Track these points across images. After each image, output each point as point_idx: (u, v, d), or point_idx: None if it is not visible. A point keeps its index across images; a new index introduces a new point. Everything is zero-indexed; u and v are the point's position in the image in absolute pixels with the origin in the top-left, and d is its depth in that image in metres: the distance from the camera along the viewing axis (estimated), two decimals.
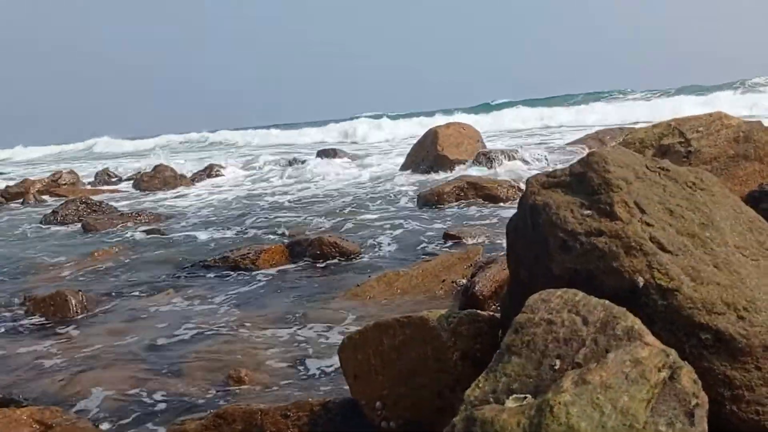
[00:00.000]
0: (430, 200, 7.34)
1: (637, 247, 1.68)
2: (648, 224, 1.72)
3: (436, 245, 5.57)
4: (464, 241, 5.49)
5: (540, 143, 11.84)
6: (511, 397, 1.51)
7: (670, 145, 2.28)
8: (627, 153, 1.91)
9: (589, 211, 1.81)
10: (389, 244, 5.81)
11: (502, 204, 6.93)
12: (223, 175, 11.92)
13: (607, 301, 1.58)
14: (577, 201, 1.85)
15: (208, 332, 3.78)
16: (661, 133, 2.33)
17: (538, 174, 2.05)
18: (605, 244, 1.72)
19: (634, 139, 2.38)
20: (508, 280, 2.37)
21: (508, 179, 7.60)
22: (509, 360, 1.59)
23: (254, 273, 5.16)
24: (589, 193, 1.84)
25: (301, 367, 3.21)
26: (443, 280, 4.54)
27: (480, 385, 1.58)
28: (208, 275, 5.11)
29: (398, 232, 6.23)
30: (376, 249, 5.69)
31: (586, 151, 9.13)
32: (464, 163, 9.31)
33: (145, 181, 11.04)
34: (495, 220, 6.14)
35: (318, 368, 3.16)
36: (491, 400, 1.55)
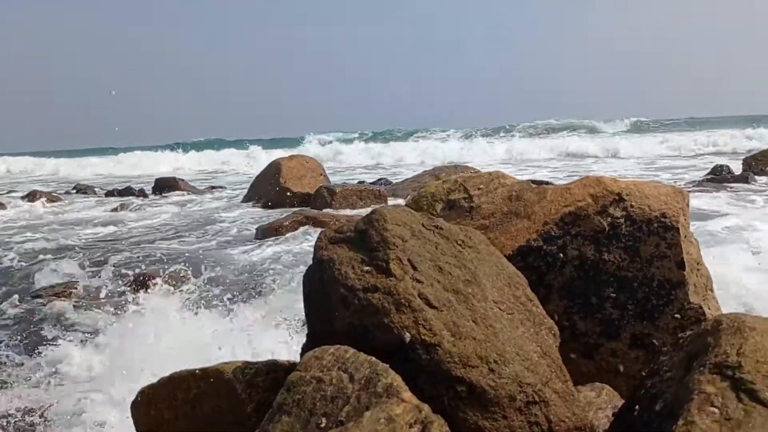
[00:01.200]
0: (268, 233, 7.30)
1: (407, 303, 1.78)
2: (418, 281, 1.83)
3: (272, 280, 5.54)
4: (298, 276, 5.52)
5: (380, 178, 12.21)
6: None
7: (456, 200, 2.45)
8: (406, 211, 2.03)
9: (368, 267, 1.90)
10: (224, 279, 5.69)
11: None
12: (37, 205, 11.05)
13: (373, 358, 1.66)
14: (359, 257, 1.93)
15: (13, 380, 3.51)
16: (449, 189, 2.49)
17: (327, 228, 2.11)
18: (379, 300, 1.81)
19: (427, 193, 2.53)
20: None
21: (345, 214, 7.74)
22: (279, 419, 1.62)
23: (74, 309, 4.85)
24: (370, 249, 1.93)
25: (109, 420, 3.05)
26: (275, 317, 4.53)
27: None
28: (8, 313, 4.72)
29: (235, 266, 6.13)
30: (209, 284, 5.54)
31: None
32: (307, 196, 9.35)
33: None
34: None
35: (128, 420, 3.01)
36: None
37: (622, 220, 2.29)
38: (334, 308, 1.93)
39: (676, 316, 2.26)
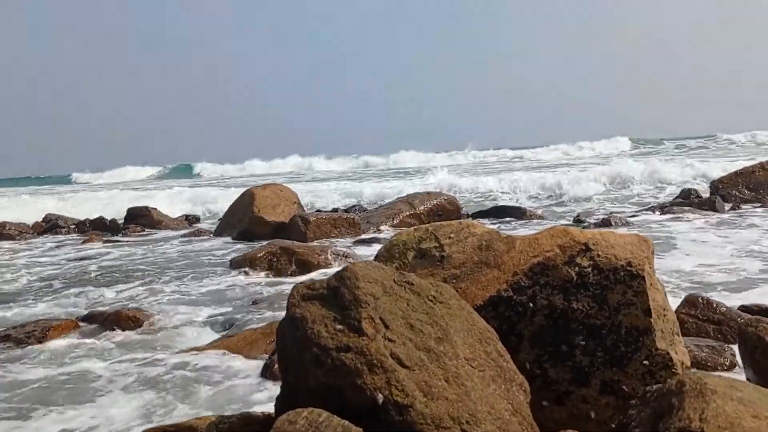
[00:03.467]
0: (242, 266, 7.26)
1: (379, 364, 1.80)
2: (390, 340, 1.85)
3: (245, 315, 5.50)
4: (272, 310, 5.48)
5: (354, 205, 12.24)
6: None
7: (427, 249, 2.48)
8: (378, 267, 2.05)
9: (341, 326, 1.91)
10: (195, 315, 5.63)
11: (314, 271, 7.01)
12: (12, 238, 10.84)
13: (346, 422, 1.67)
14: (332, 315, 1.95)
15: None
16: (420, 237, 2.53)
17: (300, 284, 2.13)
18: (351, 360, 1.82)
19: (399, 241, 2.56)
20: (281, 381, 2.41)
21: (320, 244, 7.73)
22: None
23: (40, 352, 4.75)
24: (342, 307, 1.95)
25: None
26: (245, 357, 4.50)
27: None
28: None
29: (206, 300, 6.07)
30: (181, 321, 5.48)
31: (399, 217, 9.57)
32: (282, 225, 9.33)
33: None
34: None
35: None
36: None
37: (589, 270, 2.34)
38: (308, 367, 1.93)
39: (645, 362, 2.30)
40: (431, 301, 2.00)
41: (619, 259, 2.34)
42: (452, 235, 2.46)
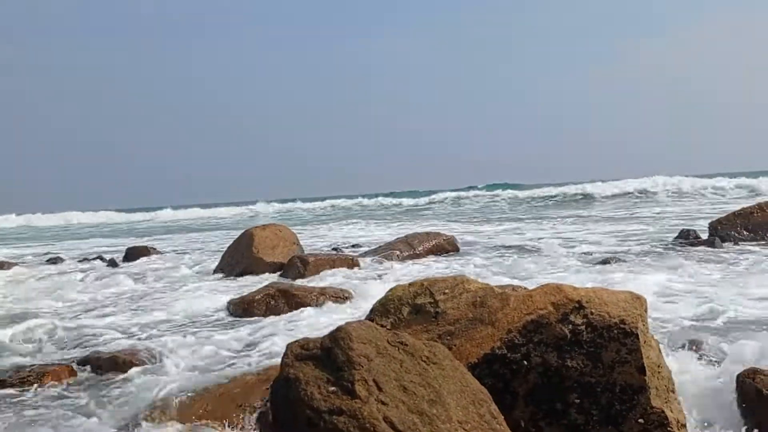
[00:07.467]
0: (239, 308, 7.23)
1: (371, 428, 1.80)
2: (383, 403, 1.85)
3: (242, 361, 5.46)
4: (268, 356, 5.45)
5: (352, 245, 12.24)
6: None
7: (422, 305, 2.49)
8: (371, 328, 2.06)
9: (334, 388, 1.92)
10: (191, 360, 5.57)
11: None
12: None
13: None
14: (324, 376, 1.95)
15: None
16: (415, 292, 2.54)
17: (294, 343, 2.13)
18: (344, 424, 1.82)
19: (394, 296, 2.57)
20: None
21: (317, 286, 7.71)
22: None
23: (33, 398, 4.71)
24: (335, 369, 1.95)
25: None
26: (240, 405, 4.46)
27: None
28: None
29: (203, 345, 6.02)
30: (177, 366, 5.43)
31: (395, 257, 9.57)
32: (280, 265, 9.33)
33: None
34: (302, 332, 6.17)
35: None
36: None
37: (582, 327, 2.34)
38: (300, 429, 1.93)
39: (640, 420, 2.29)
40: (424, 361, 2.00)
41: (612, 316, 2.34)
42: (447, 291, 2.47)
